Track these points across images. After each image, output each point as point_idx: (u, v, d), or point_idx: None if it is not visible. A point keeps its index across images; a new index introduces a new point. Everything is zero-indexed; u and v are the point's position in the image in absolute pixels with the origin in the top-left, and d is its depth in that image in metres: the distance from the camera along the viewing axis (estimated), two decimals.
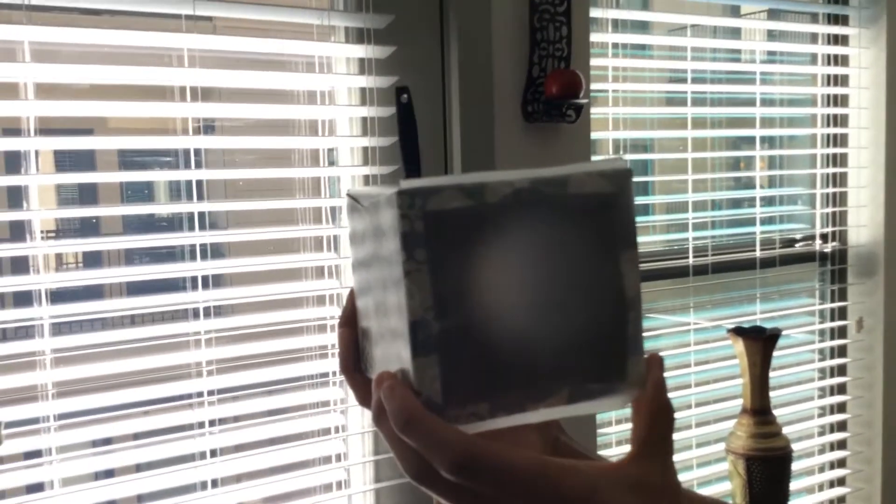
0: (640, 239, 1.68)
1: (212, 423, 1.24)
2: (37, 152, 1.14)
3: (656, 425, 0.42)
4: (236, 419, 1.28)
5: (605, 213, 0.41)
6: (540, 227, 0.39)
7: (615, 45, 1.60)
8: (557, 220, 0.40)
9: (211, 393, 1.23)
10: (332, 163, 1.37)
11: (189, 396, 1.23)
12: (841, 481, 1.99)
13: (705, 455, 1.77)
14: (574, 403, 0.41)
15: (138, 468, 1.23)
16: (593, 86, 1.53)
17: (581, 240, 0.40)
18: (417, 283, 0.38)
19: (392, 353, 0.41)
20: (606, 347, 0.41)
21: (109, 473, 1.22)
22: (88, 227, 1.32)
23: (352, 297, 0.48)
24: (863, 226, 1.96)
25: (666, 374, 1.68)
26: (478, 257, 0.39)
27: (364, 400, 0.47)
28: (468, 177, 0.39)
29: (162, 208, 1.33)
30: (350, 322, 0.48)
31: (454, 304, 0.38)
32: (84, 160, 1.28)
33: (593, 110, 1.53)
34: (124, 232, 1.40)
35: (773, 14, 1.94)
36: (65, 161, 1.33)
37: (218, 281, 1.24)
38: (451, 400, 0.39)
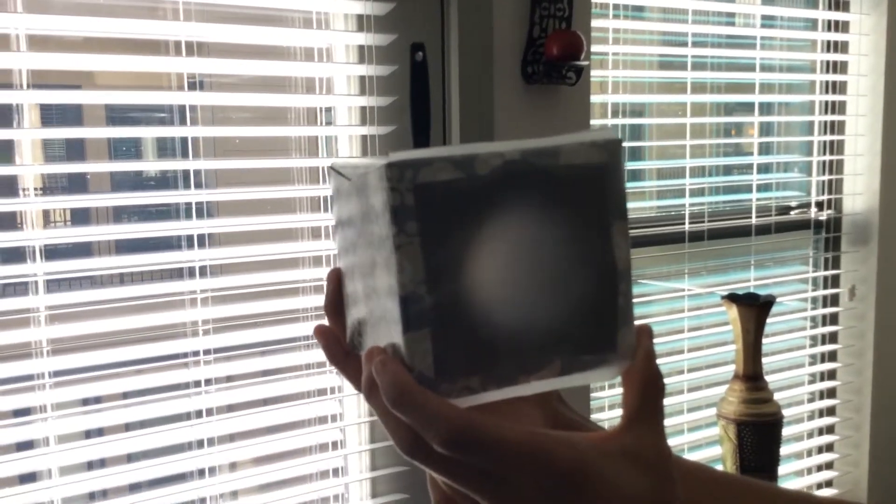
0: (635, 204, 1.66)
1: (207, 382, 1.23)
2: (25, 106, 1.12)
3: (647, 395, 0.42)
4: (229, 379, 1.28)
5: (596, 183, 0.40)
6: (531, 199, 0.39)
7: (616, 7, 1.58)
8: (548, 192, 0.39)
9: (207, 352, 1.23)
10: (329, 122, 1.35)
11: (185, 355, 1.22)
12: (829, 447, 2.02)
13: (696, 420, 1.79)
14: (566, 375, 0.41)
15: (127, 427, 1.23)
16: (593, 48, 1.51)
17: (572, 211, 0.40)
18: (409, 256, 0.37)
19: (382, 327, 0.40)
20: (597, 319, 0.41)
21: (101, 431, 1.22)
22: (77, 185, 1.30)
23: (333, 282, 0.47)
24: (858, 194, 1.96)
25: (659, 340, 1.68)
26: (469, 230, 0.38)
27: (358, 383, 0.45)
28: (458, 148, 0.38)
29: (158, 165, 1.31)
30: (333, 311, 0.47)
31: (446, 278, 0.38)
32: (71, 118, 1.26)
33: (592, 73, 1.51)
34: (113, 191, 1.38)
35: None
36: (51, 118, 1.30)
37: (212, 240, 1.23)
38: (443, 374, 0.38)
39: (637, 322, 0.42)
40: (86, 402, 1.19)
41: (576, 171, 0.40)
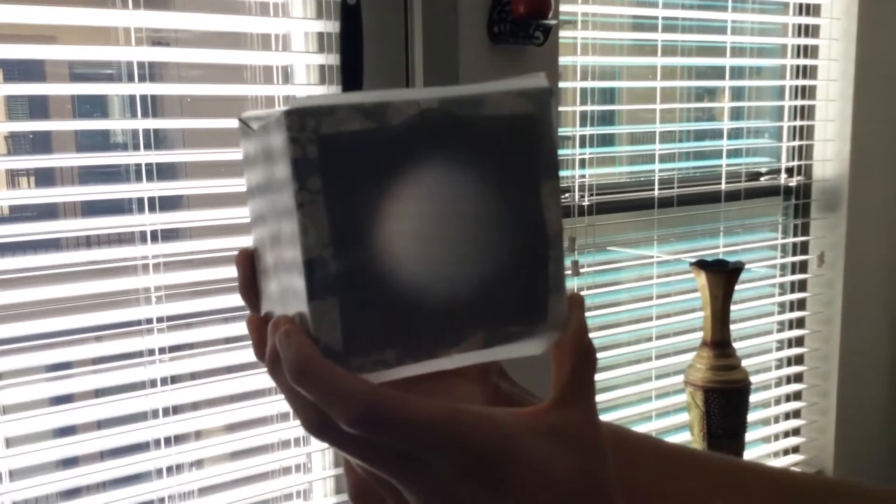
0: (604, 170, 1.61)
1: (162, 350, 1.20)
2: None
3: (578, 369, 0.38)
4: (191, 346, 1.24)
5: (524, 137, 0.37)
6: (450, 153, 0.35)
7: None
8: (470, 146, 0.36)
9: (160, 320, 1.19)
10: (286, 80, 1.31)
11: (139, 323, 1.19)
12: (796, 414, 2.02)
13: (664, 387, 1.78)
14: (490, 347, 0.37)
15: (97, 393, 1.19)
16: (562, 7, 1.48)
17: (497, 168, 0.36)
18: (312, 216, 0.34)
19: (290, 299, 0.36)
20: (525, 287, 0.37)
21: (65, 399, 1.18)
22: (40, 145, 1.26)
23: (244, 264, 0.42)
24: (828, 160, 1.95)
25: (628, 307, 1.65)
26: (381, 187, 0.34)
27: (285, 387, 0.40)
28: (371, 94, 0.34)
29: (105, 124, 1.27)
30: (250, 295, 0.42)
31: (355, 240, 0.34)
32: (33, 78, 1.22)
33: (561, 33, 1.48)
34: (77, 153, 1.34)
35: None
36: (14, 77, 1.26)
37: (169, 204, 1.18)
38: (353, 347, 0.35)
39: (569, 291, 0.39)
40: (46, 369, 1.16)
41: (501, 122, 0.36)
